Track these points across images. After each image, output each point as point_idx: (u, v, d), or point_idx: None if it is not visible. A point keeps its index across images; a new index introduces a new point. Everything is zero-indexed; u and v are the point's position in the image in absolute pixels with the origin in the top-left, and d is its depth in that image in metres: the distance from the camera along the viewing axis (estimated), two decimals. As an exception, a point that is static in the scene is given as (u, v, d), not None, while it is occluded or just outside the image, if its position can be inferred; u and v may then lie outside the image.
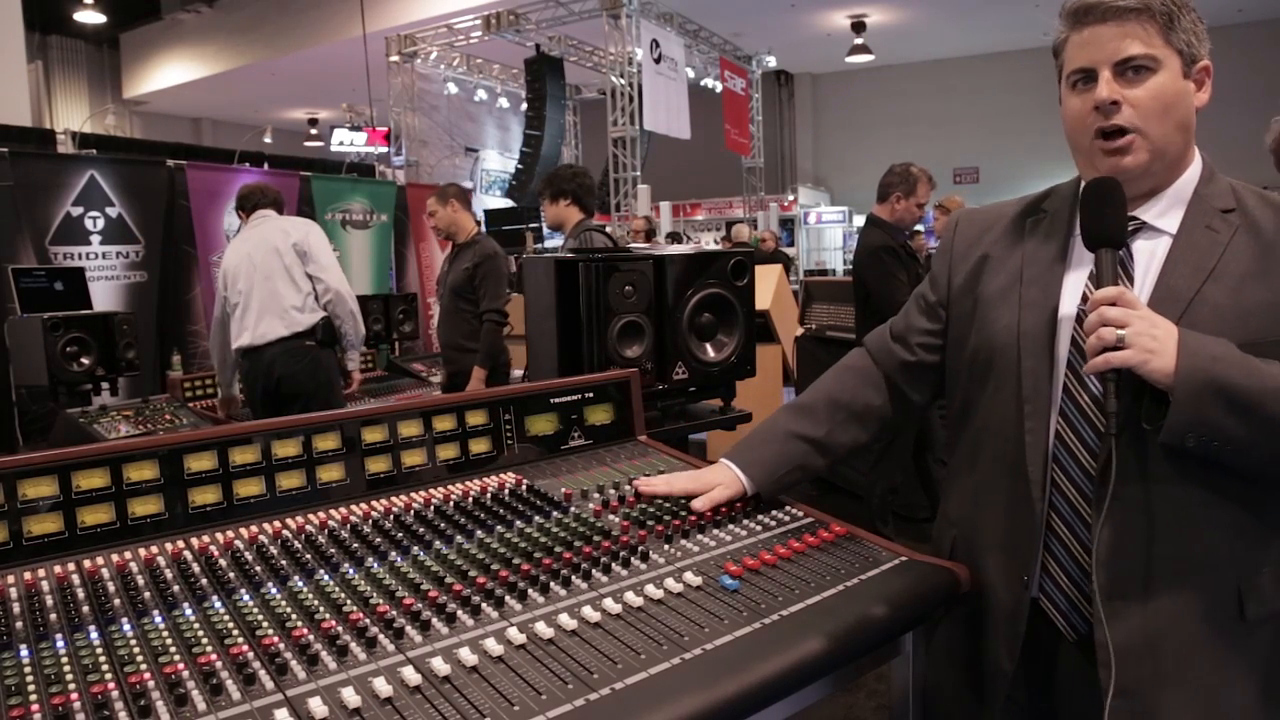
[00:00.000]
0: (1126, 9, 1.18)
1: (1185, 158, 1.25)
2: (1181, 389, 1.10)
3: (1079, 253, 1.28)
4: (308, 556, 1.20)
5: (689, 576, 1.19)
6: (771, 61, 17.24)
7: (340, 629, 1.03)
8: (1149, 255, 1.23)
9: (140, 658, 0.96)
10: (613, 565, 1.21)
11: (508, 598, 1.11)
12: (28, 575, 1.12)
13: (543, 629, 1.04)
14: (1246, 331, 1.15)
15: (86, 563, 1.16)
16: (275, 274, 3.65)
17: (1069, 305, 1.26)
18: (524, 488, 1.48)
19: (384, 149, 15.68)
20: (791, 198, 18.65)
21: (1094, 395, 1.21)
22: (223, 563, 1.18)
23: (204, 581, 1.13)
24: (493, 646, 1.00)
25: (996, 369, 1.31)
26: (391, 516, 1.35)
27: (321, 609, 1.07)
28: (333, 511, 1.35)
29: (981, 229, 1.42)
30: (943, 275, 1.45)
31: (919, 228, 7.35)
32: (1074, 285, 1.27)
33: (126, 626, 1.02)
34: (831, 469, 1.49)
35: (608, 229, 7.38)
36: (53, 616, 1.03)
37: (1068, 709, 1.28)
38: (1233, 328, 1.15)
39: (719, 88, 15.53)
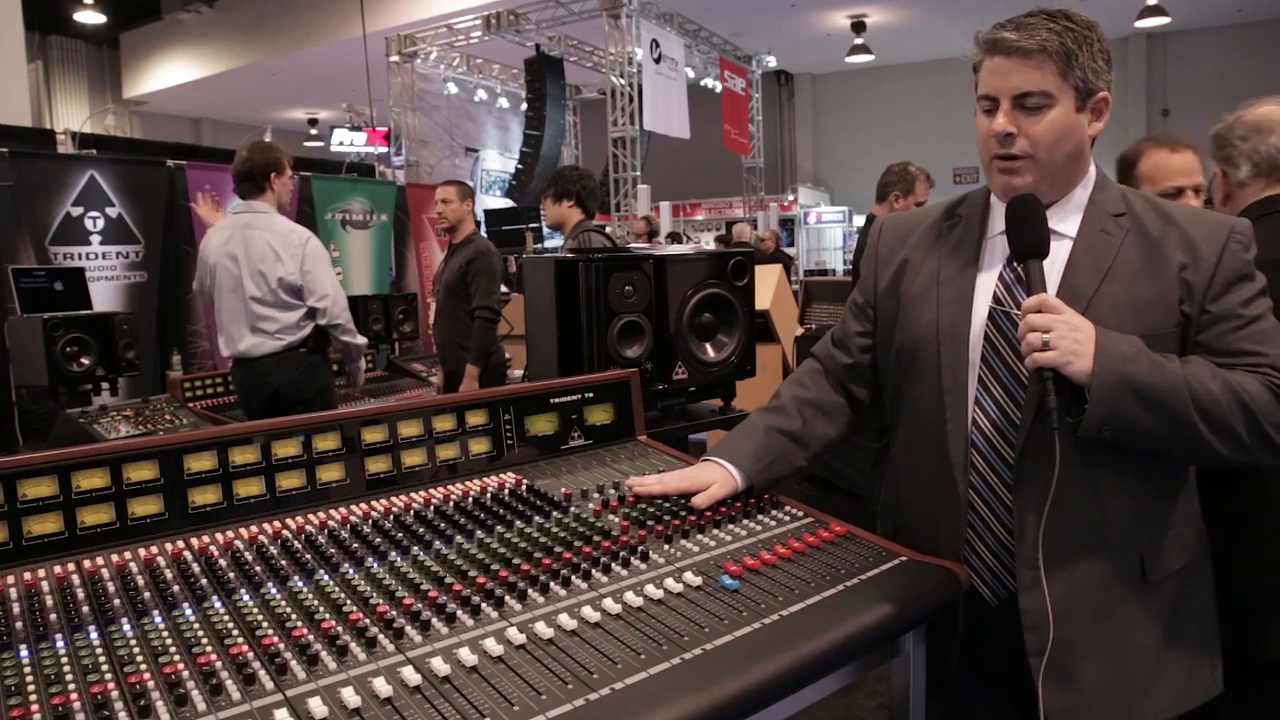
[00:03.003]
0: (1024, 50, 1.29)
1: (1077, 175, 1.38)
2: (1098, 388, 1.21)
3: (990, 254, 1.42)
4: (308, 556, 1.20)
5: (689, 576, 1.19)
6: (771, 61, 17.24)
7: (340, 629, 1.03)
8: (1052, 258, 1.33)
9: (140, 658, 0.96)
10: (613, 565, 1.21)
11: (508, 598, 1.11)
12: (28, 575, 1.12)
13: (542, 629, 1.04)
14: (1140, 324, 1.28)
15: (86, 563, 1.16)
16: (263, 301, 3.51)
17: (982, 303, 1.39)
18: (524, 488, 1.48)
19: (384, 149, 15.67)
20: (791, 198, 18.63)
21: (1006, 388, 1.35)
22: (223, 563, 1.18)
23: (204, 581, 1.13)
24: (493, 646, 1.00)
25: (919, 363, 1.44)
26: (391, 516, 1.35)
27: (321, 609, 1.07)
28: (333, 511, 1.35)
29: (904, 233, 1.55)
30: (869, 278, 1.57)
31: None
32: (986, 285, 1.40)
33: (126, 626, 1.02)
34: (811, 463, 1.57)
35: (607, 229, 7.38)
36: (53, 616, 1.04)
37: (1006, 669, 1.37)
38: (1128, 321, 1.28)
39: (719, 88, 15.52)
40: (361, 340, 3.81)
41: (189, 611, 1.06)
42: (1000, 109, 1.31)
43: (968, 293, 1.40)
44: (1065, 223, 1.36)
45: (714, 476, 1.47)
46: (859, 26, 15.65)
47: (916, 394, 1.45)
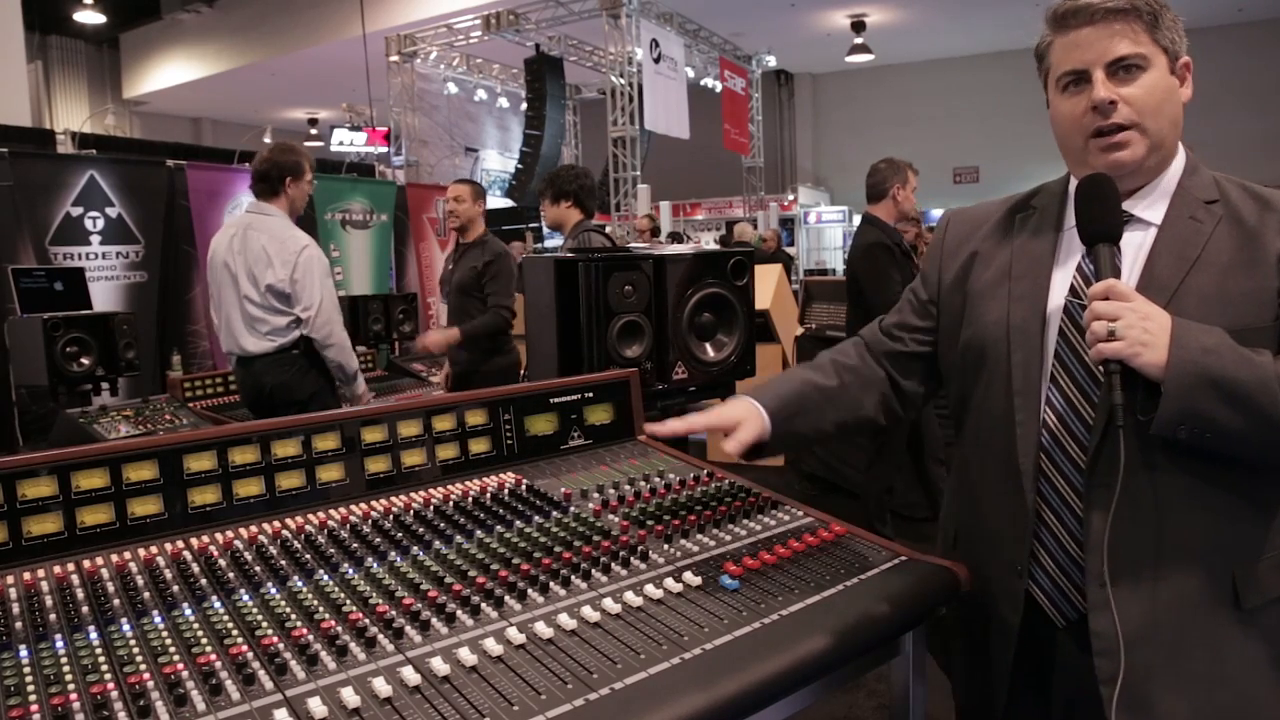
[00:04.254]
0: (1113, 10, 1.20)
1: (1173, 151, 1.27)
2: (1172, 381, 1.10)
3: (1067, 247, 1.31)
4: (307, 556, 1.20)
5: (689, 576, 1.19)
6: (771, 61, 17.23)
7: (340, 629, 1.03)
8: (1136, 246, 1.24)
9: (140, 658, 0.96)
10: (612, 565, 1.21)
11: (507, 598, 1.11)
12: (27, 575, 1.12)
13: (542, 629, 1.04)
14: (1231, 318, 1.16)
15: (86, 563, 1.16)
16: (255, 303, 3.52)
17: (1057, 298, 1.28)
18: (524, 488, 1.48)
19: (384, 149, 15.67)
20: (791, 197, 18.63)
21: (1080, 386, 1.23)
22: (222, 563, 1.18)
23: (203, 581, 1.13)
24: (492, 646, 1.00)
25: (988, 362, 1.33)
26: (391, 516, 1.35)
27: (321, 609, 1.07)
28: (332, 511, 1.35)
29: (972, 227, 1.44)
30: (933, 273, 1.47)
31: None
32: (1062, 279, 1.28)
33: (126, 626, 1.02)
34: (842, 433, 1.47)
35: (607, 229, 7.39)
36: (52, 617, 1.03)
37: (1068, 696, 1.29)
38: (1218, 315, 1.16)
39: (719, 87, 15.52)
40: (353, 363, 3.58)
41: (189, 611, 1.06)
42: (1095, 79, 1.20)
43: (1042, 288, 1.29)
44: (1151, 210, 1.25)
45: (740, 413, 1.35)
46: (859, 26, 15.64)
47: (984, 396, 1.34)
